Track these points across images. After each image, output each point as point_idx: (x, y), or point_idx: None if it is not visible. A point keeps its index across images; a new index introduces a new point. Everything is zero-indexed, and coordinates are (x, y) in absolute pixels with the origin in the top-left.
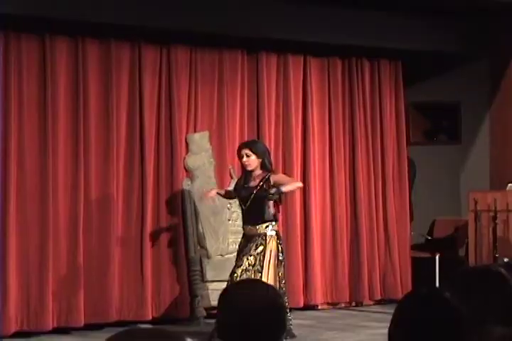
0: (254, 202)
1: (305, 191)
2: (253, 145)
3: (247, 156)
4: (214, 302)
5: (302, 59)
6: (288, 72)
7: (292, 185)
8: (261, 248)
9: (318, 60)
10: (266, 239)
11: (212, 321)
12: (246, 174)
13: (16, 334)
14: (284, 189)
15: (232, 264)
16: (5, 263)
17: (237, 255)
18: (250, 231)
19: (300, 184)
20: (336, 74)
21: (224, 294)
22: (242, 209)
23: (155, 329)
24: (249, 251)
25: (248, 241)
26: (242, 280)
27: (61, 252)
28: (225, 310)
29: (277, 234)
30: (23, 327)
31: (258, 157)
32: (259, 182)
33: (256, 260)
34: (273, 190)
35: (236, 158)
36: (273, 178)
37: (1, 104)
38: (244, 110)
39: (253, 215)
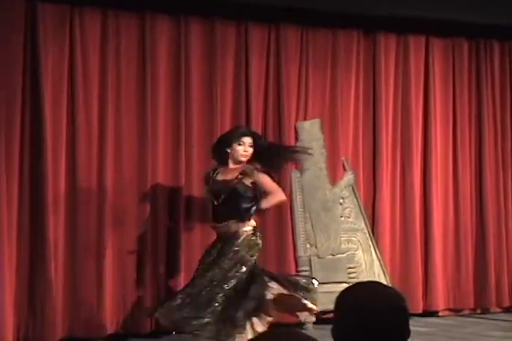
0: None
1: (425, 186)
2: (260, 138)
3: (250, 147)
4: (324, 306)
5: (424, 40)
6: (408, 54)
7: (275, 199)
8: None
9: (442, 41)
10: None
11: (323, 326)
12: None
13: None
14: (264, 205)
15: (345, 265)
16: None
17: None
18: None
19: (283, 198)
20: (462, 58)
21: (343, 295)
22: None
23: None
24: None
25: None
26: (362, 282)
27: (161, 248)
28: (344, 312)
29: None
30: (118, 330)
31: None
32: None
33: None
34: (252, 210)
35: (350, 149)
36: (258, 177)
37: (98, 85)
38: (360, 96)
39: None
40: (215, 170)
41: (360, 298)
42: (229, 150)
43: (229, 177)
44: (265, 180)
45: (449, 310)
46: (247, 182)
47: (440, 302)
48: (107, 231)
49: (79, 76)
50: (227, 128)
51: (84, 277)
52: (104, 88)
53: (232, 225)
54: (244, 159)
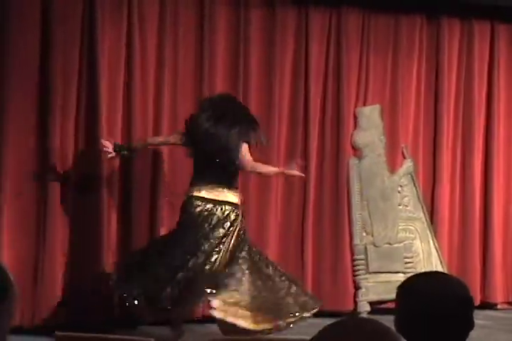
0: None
1: (486, 176)
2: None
3: None
4: (380, 296)
5: (489, 26)
6: (472, 41)
7: None
8: None
9: (508, 28)
10: None
11: (379, 317)
12: None
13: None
14: None
15: (401, 255)
16: None
17: None
18: None
19: None
20: None
21: (407, 284)
22: None
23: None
24: None
25: None
26: (426, 272)
27: None
28: (409, 301)
29: None
30: None
31: None
32: None
33: None
34: None
35: (410, 136)
36: None
37: (155, 70)
38: (421, 83)
39: None
40: None
41: (425, 286)
42: None
43: None
44: None
45: (508, 303)
46: None
47: (498, 295)
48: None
49: (136, 58)
50: (285, 114)
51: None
52: (160, 72)
53: None
54: None
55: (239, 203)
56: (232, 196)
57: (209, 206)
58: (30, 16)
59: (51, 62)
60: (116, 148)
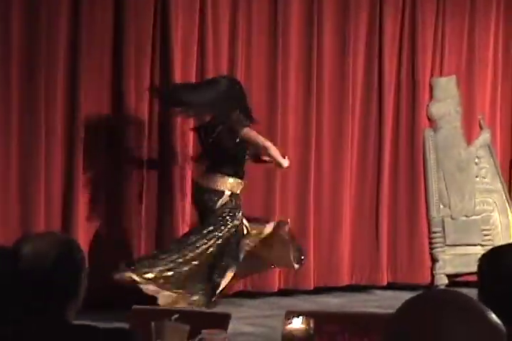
0: None
1: None
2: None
3: None
4: (457, 269)
5: None
6: None
7: None
8: None
9: None
10: None
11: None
12: None
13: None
14: None
15: (479, 227)
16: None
17: None
18: None
19: None
20: None
21: (493, 256)
22: None
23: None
24: None
25: None
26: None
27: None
28: (494, 274)
29: None
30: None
31: None
32: None
33: None
34: None
35: (487, 107)
36: None
37: (228, 42)
38: (498, 52)
39: None
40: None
41: (508, 259)
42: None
43: None
44: None
45: None
46: None
47: None
48: None
49: (209, 36)
50: (359, 83)
51: None
52: (233, 45)
53: None
54: None
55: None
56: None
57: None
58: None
59: (124, 46)
60: None
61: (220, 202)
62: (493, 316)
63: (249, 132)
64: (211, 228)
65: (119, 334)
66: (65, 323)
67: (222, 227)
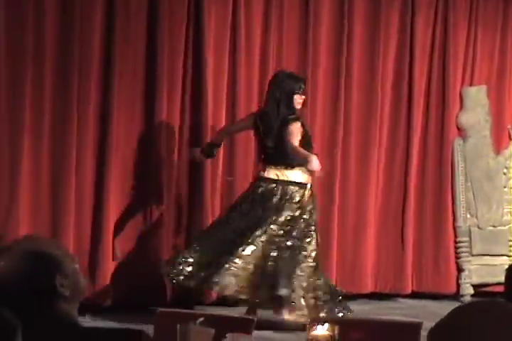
0: None
1: None
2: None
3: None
4: (483, 279)
5: None
6: None
7: None
8: None
9: None
10: None
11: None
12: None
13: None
14: None
15: (506, 238)
16: None
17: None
18: None
19: None
20: None
21: None
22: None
23: None
24: None
25: None
26: None
27: None
28: None
29: None
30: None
31: None
32: None
33: None
34: None
35: None
36: None
37: (260, 45)
38: None
39: None
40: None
41: None
42: (290, 99)
43: None
44: None
45: None
46: None
47: None
48: None
49: (241, 41)
50: (388, 89)
51: None
52: (266, 46)
53: None
54: (299, 107)
55: (306, 182)
56: (295, 175)
57: (271, 186)
58: (136, 5)
59: (157, 47)
60: (206, 153)
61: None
62: None
63: None
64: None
65: (127, 335)
66: (72, 325)
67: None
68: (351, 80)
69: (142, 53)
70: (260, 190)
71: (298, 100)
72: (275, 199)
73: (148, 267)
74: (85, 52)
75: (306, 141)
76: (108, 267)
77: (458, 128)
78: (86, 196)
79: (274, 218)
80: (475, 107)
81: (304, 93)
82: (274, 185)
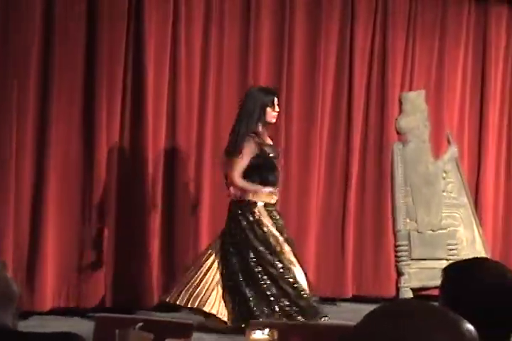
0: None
1: None
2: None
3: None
4: (422, 283)
5: None
6: None
7: None
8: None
9: None
10: None
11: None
12: (259, 129)
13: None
14: None
15: (445, 242)
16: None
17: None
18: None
19: None
20: None
21: (453, 270)
22: (278, 172)
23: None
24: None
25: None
26: (472, 258)
27: None
28: (454, 287)
29: None
30: None
31: None
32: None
33: None
34: None
35: (455, 122)
36: None
37: (200, 50)
38: (467, 68)
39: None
40: (254, 133)
41: (471, 273)
42: (261, 113)
43: (270, 141)
44: None
45: None
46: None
47: None
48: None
49: (182, 53)
50: (329, 98)
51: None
52: (205, 48)
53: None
54: (274, 121)
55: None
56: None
57: None
58: (76, 11)
59: (97, 64)
60: None
61: None
62: (466, 323)
63: None
64: None
65: (62, 338)
66: (6, 330)
67: None
68: (292, 86)
69: (81, 65)
70: None
71: (272, 113)
72: None
73: (88, 271)
74: (23, 62)
75: (264, 161)
76: (45, 272)
77: (398, 133)
78: (24, 207)
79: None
80: (414, 112)
81: (277, 106)
82: None
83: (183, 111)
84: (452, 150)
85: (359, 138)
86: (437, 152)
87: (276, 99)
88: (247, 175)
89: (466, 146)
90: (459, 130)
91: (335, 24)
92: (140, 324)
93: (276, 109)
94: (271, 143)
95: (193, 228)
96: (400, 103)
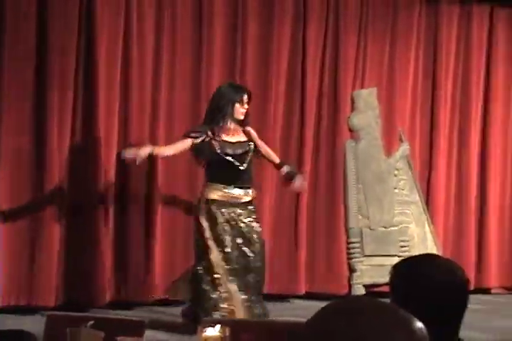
0: (251, 162)
1: (482, 159)
2: (251, 94)
3: (248, 104)
4: (374, 279)
5: (488, 10)
6: (471, 25)
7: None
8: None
9: (507, 12)
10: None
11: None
12: (220, 126)
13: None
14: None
15: (396, 238)
16: None
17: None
18: (242, 197)
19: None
20: None
21: (402, 267)
22: (236, 170)
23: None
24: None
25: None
26: (421, 254)
27: None
28: (403, 284)
29: None
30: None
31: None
32: (246, 137)
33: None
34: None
35: (407, 120)
36: (258, 140)
37: (153, 46)
38: (419, 66)
39: (249, 177)
40: (209, 129)
41: (421, 270)
42: (229, 109)
43: (239, 138)
44: (262, 142)
45: (503, 287)
46: (252, 145)
47: (493, 279)
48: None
49: (134, 36)
50: (281, 95)
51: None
52: (158, 49)
53: (253, 192)
54: (242, 117)
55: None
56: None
57: None
58: (27, 14)
59: (47, 62)
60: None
61: None
62: (416, 321)
63: None
64: None
65: (14, 336)
66: None
67: None
68: (245, 84)
69: (31, 68)
70: None
71: (240, 110)
72: None
73: (40, 269)
74: None
75: (211, 156)
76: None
77: (350, 130)
78: None
79: None
80: (366, 110)
81: (247, 103)
82: None
83: (135, 110)
84: (404, 148)
85: (312, 135)
86: (389, 149)
87: (245, 96)
88: (205, 169)
89: (417, 144)
90: (410, 128)
91: (287, 21)
92: (91, 322)
93: (245, 106)
94: (233, 140)
95: (145, 226)
96: (353, 101)
